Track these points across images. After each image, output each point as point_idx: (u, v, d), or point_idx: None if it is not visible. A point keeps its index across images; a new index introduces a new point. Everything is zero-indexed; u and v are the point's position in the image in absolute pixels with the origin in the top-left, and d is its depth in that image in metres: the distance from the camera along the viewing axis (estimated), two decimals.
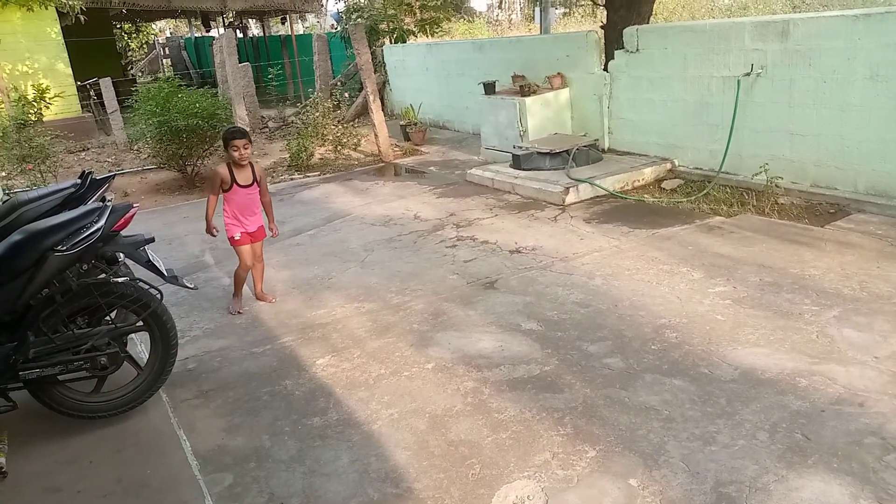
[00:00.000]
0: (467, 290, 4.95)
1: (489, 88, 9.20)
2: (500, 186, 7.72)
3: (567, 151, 7.56)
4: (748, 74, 6.55)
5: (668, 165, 7.51)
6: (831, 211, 5.92)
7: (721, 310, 4.24)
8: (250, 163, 4.79)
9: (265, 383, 3.90)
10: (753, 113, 6.63)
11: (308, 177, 9.52)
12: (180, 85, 9.62)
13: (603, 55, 8.41)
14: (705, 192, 6.67)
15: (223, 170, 4.69)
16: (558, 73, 8.69)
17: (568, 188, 6.90)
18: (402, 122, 11.60)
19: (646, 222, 6.08)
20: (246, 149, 4.63)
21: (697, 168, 7.29)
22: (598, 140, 8.16)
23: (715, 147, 7.01)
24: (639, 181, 7.29)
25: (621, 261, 5.22)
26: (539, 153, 7.69)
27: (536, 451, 3.03)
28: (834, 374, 3.37)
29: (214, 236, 4.88)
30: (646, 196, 6.93)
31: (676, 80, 7.32)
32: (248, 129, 5.28)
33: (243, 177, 4.75)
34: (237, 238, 4.83)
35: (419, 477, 2.94)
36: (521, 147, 8.02)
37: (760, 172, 6.33)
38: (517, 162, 7.82)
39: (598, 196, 7.00)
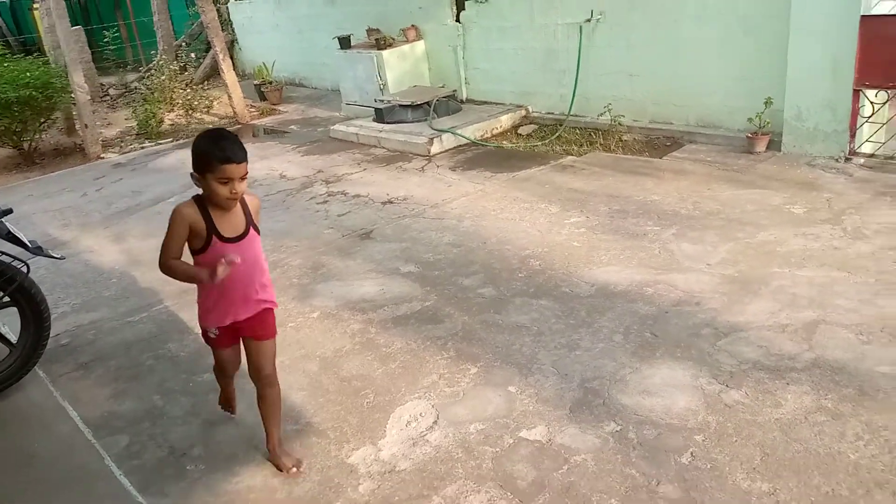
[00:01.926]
0: (344, 242, 5.06)
1: (345, 43, 9.15)
2: (365, 141, 7.79)
3: (428, 103, 7.75)
4: (589, 20, 7.01)
5: (523, 112, 7.91)
6: (668, 143, 6.55)
7: (577, 237, 4.65)
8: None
9: (146, 349, 3.85)
10: (596, 57, 7.12)
11: (160, 144, 9.08)
12: (3, 54, 8.76)
13: (454, 6, 8.60)
14: (557, 134, 7.13)
15: (189, 211, 2.44)
16: (412, 26, 8.81)
17: (432, 139, 7.11)
18: (255, 82, 11.26)
19: (506, 166, 6.43)
20: (244, 179, 2.42)
21: (549, 113, 7.74)
22: (456, 90, 8.41)
23: (564, 92, 7.47)
24: (497, 128, 7.64)
25: (487, 203, 5.53)
26: (401, 106, 7.82)
27: (424, 374, 3.27)
28: (674, 282, 3.86)
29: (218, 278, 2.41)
30: (504, 142, 7.29)
31: (525, 28, 7.67)
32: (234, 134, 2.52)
33: (231, 223, 2.49)
34: (213, 335, 2.67)
35: (317, 412, 3.09)
36: (382, 101, 8.11)
37: (605, 113, 6.85)
38: (380, 116, 7.91)
39: (460, 145, 7.27)
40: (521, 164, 6.42)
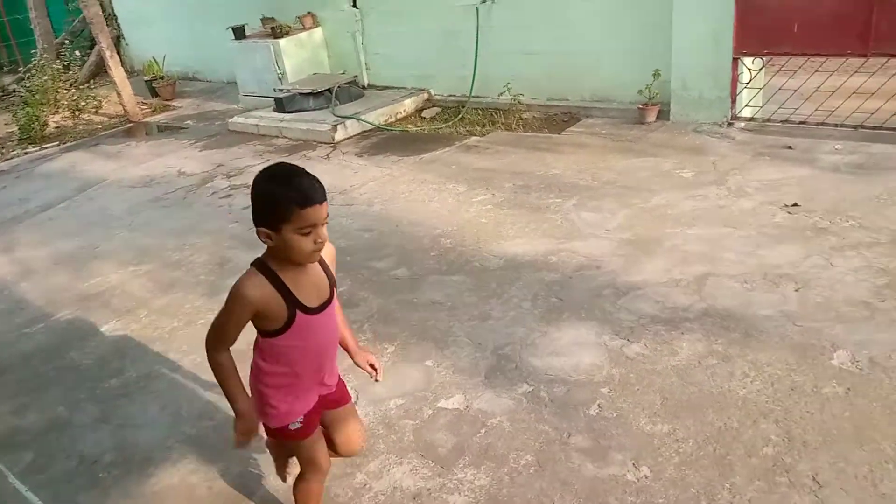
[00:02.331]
0: (251, 236, 4.89)
1: (239, 33, 8.90)
2: (266, 132, 7.64)
3: (329, 90, 7.67)
4: (484, 2, 7.12)
5: (426, 95, 7.96)
6: (565, 119, 6.77)
7: (484, 214, 4.76)
8: None
9: (47, 360, 3.67)
10: (493, 37, 7.25)
11: (45, 148, 8.56)
12: None
13: None
14: (460, 116, 7.22)
15: (258, 293, 1.88)
16: (309, 13, 8.67)
17: (336, 126, 7.05)
18: (146, 78, 10.76)
19: (412, 149, 6.47)
20: (326, 222, 1.89)
21: (451, 95, 7.83)
22: (357, 76, 8.36)
23: (464, 73, 7.56)
24: (401, 112, 7.66)
25: (395, 186, 5.56)
26: (301, 94, 7.70)
27: (341, 358, 3.27)
28: (577, 249, 4.03)
29: (254, 436, 2.05)
30: (409, 126, 7.32)
31: (423, 11, 7.70)
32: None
33: (313, 289, 1.97)
34: (296, 428, 2.07)
35: None
36: (282, 90, 7.96)
37: (504, 92, 7.00)
38: (280, 105, 7.77)
39: (365, 131, 7.25)
40: (426, 147, 6.48)
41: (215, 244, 4.88)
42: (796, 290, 3.31)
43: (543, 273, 3.80)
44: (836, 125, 5.30)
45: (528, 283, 3.71)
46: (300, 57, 8.52)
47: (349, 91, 7.86)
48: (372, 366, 2.27)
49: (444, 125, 7.10)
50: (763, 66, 5.82)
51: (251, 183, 1.85)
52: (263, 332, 1.95)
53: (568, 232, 4.27)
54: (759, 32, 5.47)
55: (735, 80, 5.71)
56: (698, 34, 5.70)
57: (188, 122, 8.94)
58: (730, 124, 5.78)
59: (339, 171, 6.16)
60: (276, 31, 8.45)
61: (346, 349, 2.25)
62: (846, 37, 5.06)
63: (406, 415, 2.83)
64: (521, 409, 2.75)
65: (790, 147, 5.16)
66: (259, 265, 1.91)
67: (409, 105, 7.75)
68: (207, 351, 1.95)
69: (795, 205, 4.19)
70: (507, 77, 7.12)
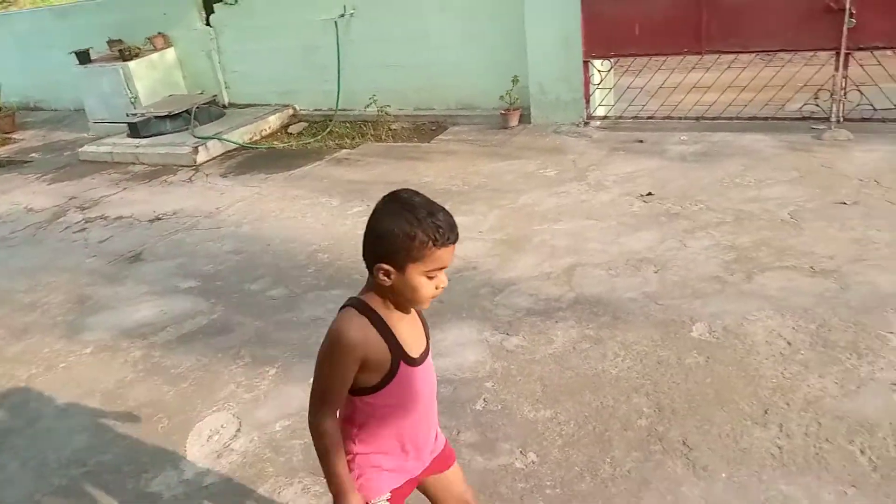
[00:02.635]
0: (110, 269, 4.67)
1: (83, 57, 8.36)
2: (121, 159, 7.21)
3: (187, 111, 7.36)
4: (343, 15, 7.13)
5: (291, 111, 7.83)
6: (433, 128, 6.89)
7: (360, 226, 4.66)
8: None
9: None
10: (354, 51, 7.26)
11: None
12: None
13: (203, 9, 8.23)
14: (328, 130, 7.16)
15: (362, 335, 1.55)
16: (159, 34, 8.30)
17: (196, 147, 6.78)
18: None
19: (280, 166, 6.34)
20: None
21: (317, 109, 7.75)
22: (216, 96, 8.09)
23: (328, 87, 7.51)
24: (266, 130, 7.48)
25: (265, 205, 5.42)
26: (157, 117, 7.34)
27: (220, 387, 3.15)
28: (456, 254, 4.09)
29: None
30: (275, 142, 7.17)
31: (280, 27, 7.58)
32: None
33: (411, 333, 1.64)
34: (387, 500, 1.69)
35: (106, 449, 2.84)
36: (135, 114, 7.55)
37: (371, 104, 7.02)
38: (135, 130, 7.36)
39: (229, 150, 7.02)
40: (296, 163, 6.37)
41: (72, 281, 4.54)
42: (655, 272, 3.54)
43: None
44: (680, 118, 5.76)
45: None
46: (153, 79, 8.12)
47: (209, 111, 7.58)
48: None
49: (312, 140, 7.01)
50: (611, 68, 6.21)
51: (374, 211, 1.54)
52: (355, 390, 1.59)
53: None
54: (604, 36, 5.84)
55: (587, 81, 6.06)
56: (550, 40, 6.01)
57: (33, 154, 8.27)
58: (586, 124, 6.12)
59: (203, 193, 5.92)
60: (125, 54, 8.02)
61: None
62: (682, 37, 5.52)
63: (293, 435, 2.75)
64: None
65: (641, 141, 5.54)
66: (361, 306, 1.56)
67: (273, 121, 7.59)
68: (311, 421, 1.59)
69: (650, 194, 4.50)
70: (372, 89, 7.15)
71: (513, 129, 6.35)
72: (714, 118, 5.61)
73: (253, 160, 6.68)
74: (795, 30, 5.17)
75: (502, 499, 2.31)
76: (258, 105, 8.05)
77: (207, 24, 8.12)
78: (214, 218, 5.29)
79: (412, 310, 1.64)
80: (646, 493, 2.24)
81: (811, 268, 3.37)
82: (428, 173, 5.56)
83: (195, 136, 7.06)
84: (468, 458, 2.48)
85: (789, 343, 2.85)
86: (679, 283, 3.41)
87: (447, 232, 1.50)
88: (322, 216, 5.01)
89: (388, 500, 1.67)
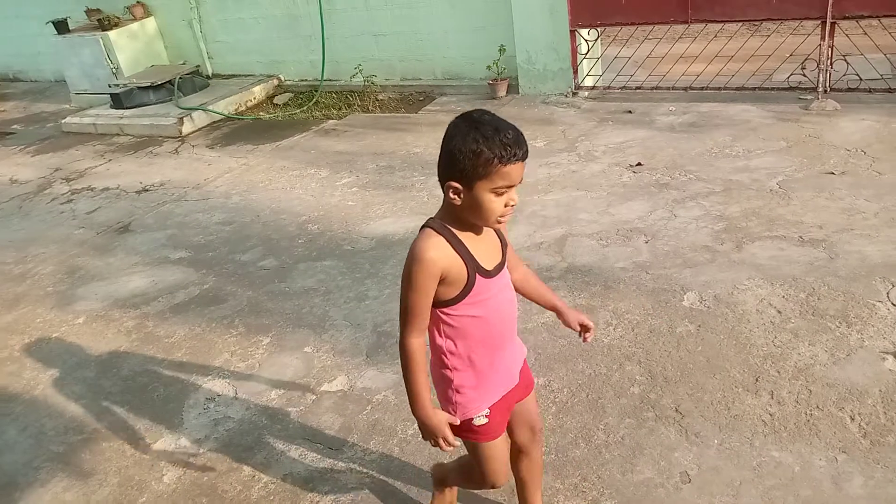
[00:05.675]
0: (100, 240, 4.63)
1: (62, 27, 8.15)
2: (105, 130, 7.10)
3: (171, 82, 7.24)
4: None
5: (276, 81, 7.73)
6: (421, 98, 6.84)
7: (350, 197, 4.73)
8: None
9: None
10: (339, 20, 7.15)
11: None
12: None
13: None
14: (315, 100, 7.09)
15: (440, 254, 1.62)
16: (138, 2, 8.11)
17: (182, 118, 6.69)
18: None
19: (267, 137, 6.28)
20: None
21: (303, 80, 7.65)
22: (199, 66, 7.97)
23: (313, 57, 7.41)
24: (251, 100, 7.39)
25: (253, 176, 5.38)
26: (140, 88, 7.22)
27: (214, 356, 3.16)
28: None
29: (455, 447, 1.76)
30: (261, 113, 7.09)
31: None
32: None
33: (486, 246, 1.71)
34: (481, 423, 1.78)
35: (102, 417, 2.86)
36: (118, 85, 7.41)
37: (357, 74, 6.94)
38: (118, 101, 7.24)
39: (215, 121, 6.93)
40: (283, 134, 6.31)
41: (62, 253, 4.50)
42: (646, 242, 3.58)
43: None
44: (668, 88, 5.76)
45: (401, 261, 3.67)
46: (134, 49, 7.96)
47: (193, 82, 7.47)
48: (584, 325, 1.90)
49: (298, 110, 6.94)
50: (598, 37, 6.18)
51: (446, 131, 1.57)
52: (437, 303, 1.66)
53: (434, 208, 4.26)
54: (591, 5, 5.80)
55: (574, 51, 6.02)
56: (536, 9, 5.95)
57: (15, 126, 8.11)
58: (574, 94, 6.11)
59: (190, 164, 5.87)
60: (104, 23, 7.83)
61: (555, 309, 1.93)
62: (668, 6, 5.49)
63: (289, 403, 2.78)
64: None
65: (630, 111, 5.54)
66: (436, 226, 1.65)
67: (258, 92, 7.50)
68: (401, 338, 1.69)
69: (639, 164, 4.52)
70: (358, 59, 7.06)
71: (501, 99, 6.32)
72: (702, 88, 5.62)
73: (239, 131, 6.61)
74: None
75: None
76: (242, 76, 7.94)
77: None
78: (202, 189, 5.25)
79: (486, 229, 1.68)
80: (639, 459, 2.29)
81: (800, 237, 3.43)
82: (417, 144, 5.54)
83: (179, 107, 6.96)
84: None
85: (779, 311, 2.90)
86: (670, 252, 3.46)
87: (514, 148, 1.51)
88: (311, 187, 4.99)
89: (486, 416, 1.76)
